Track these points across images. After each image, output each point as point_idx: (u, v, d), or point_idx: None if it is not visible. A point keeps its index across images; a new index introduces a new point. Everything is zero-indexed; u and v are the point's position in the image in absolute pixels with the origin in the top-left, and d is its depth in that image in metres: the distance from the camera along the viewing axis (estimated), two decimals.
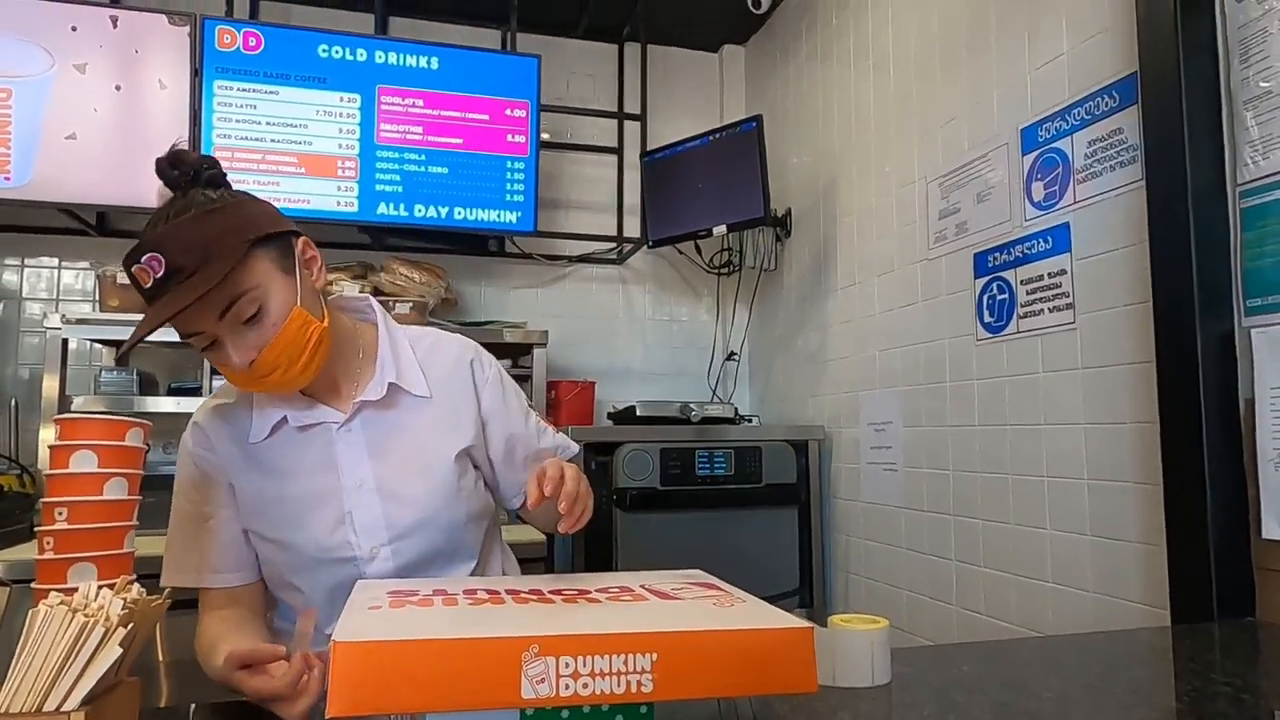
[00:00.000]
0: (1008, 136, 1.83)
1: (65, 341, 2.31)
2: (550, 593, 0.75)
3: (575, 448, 1.30)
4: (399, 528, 1.10)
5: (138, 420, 0.82)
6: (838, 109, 2.57)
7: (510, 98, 2.68)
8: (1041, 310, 1.72)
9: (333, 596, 1.07)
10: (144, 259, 0.94)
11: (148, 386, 2.47)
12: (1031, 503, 1.74)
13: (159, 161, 1.02)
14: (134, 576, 0.84)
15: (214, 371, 2.39)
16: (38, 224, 2.57)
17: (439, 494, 1.13)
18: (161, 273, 0.93)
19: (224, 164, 2.77)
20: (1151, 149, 1.44)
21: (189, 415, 2.51)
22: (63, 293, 2.66)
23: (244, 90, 2.47)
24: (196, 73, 2.44)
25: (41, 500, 0.76)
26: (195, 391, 2.39)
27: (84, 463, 0.78)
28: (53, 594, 0.54)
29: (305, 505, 1.09)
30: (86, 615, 0.52)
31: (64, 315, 2.27)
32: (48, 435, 2.27)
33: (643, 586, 0.79)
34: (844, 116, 2.53)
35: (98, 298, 2.46)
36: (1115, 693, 0.92)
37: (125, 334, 2.35)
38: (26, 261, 2.64)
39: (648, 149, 2.95)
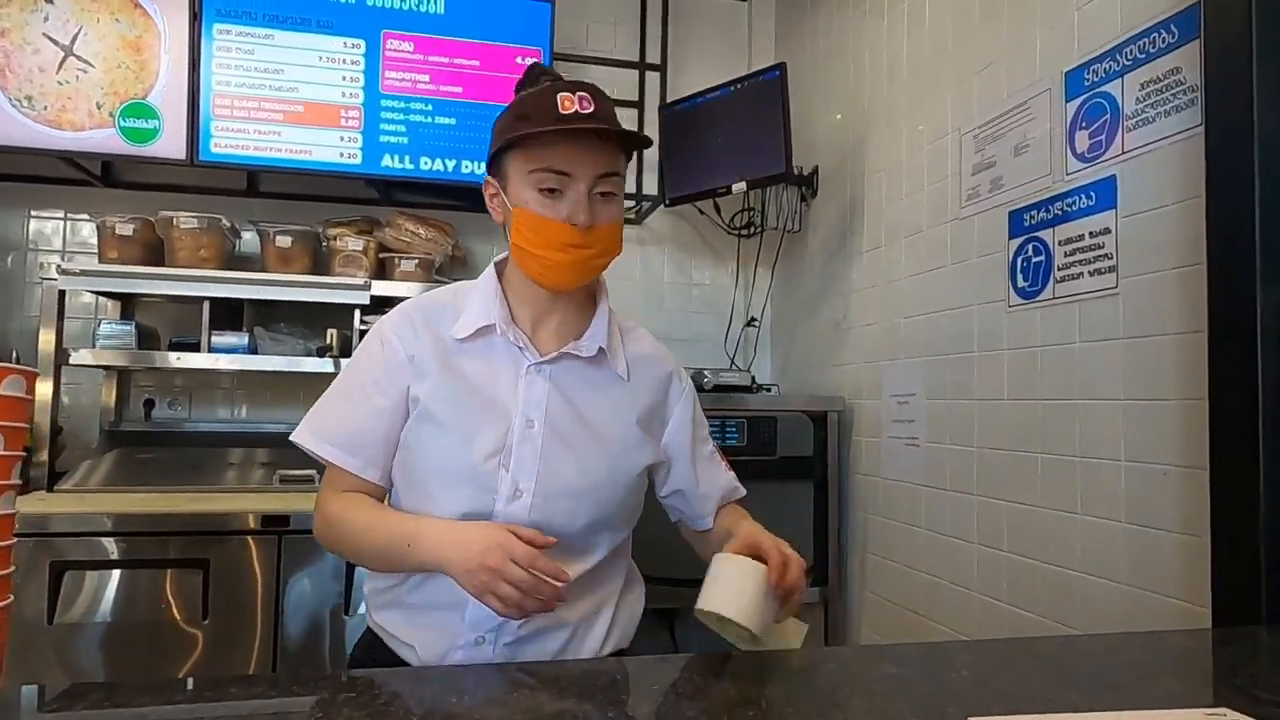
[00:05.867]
0: (1050, 82, 1.66)
1: (62, 293, 2.26)
2: None
3: (743, 491, 1.27)
4: (549, 481, 1.07)
5: (20, 368, 0.72)
6: (869, 60, 2.39)
7: (521, 45, 2.54)
8: (1081, 274, 1.56)
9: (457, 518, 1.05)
10: (578, 92, 1.03)
11: (148, 340, 2.43)
12: (1062, 485, 1.59)
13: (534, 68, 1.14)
14: (12, 541, 0.75)
15: (213, 326, 2.33)
16: (43, 174, 2.52)
17: (601, 471, 1.10)
18: (589, 110, 1.03)
19: (224, 112, 2.67)
20: (1213, 89, 1.27)
21: (192, 370, 2.50)
22: (70, 245, 2.62)
23: (244, 34, 2.38)
24: (195, 16, 2.35)
25: None
26: (194, 347, 2.33)
27: None
28: None
29: (475, 420, 1.07)
30: None
31: (58, 266, 2.22)
32: (44, 389, 2.23)
33: None
34: (875, 68, 2.35)
35: (99, 249, 2.40)
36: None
37: (125, 285, 2.32)
38: (32, 213, 2.60)
39: (667, 100, 2.80)
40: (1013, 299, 1.74)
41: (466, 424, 1.07)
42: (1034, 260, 1.68)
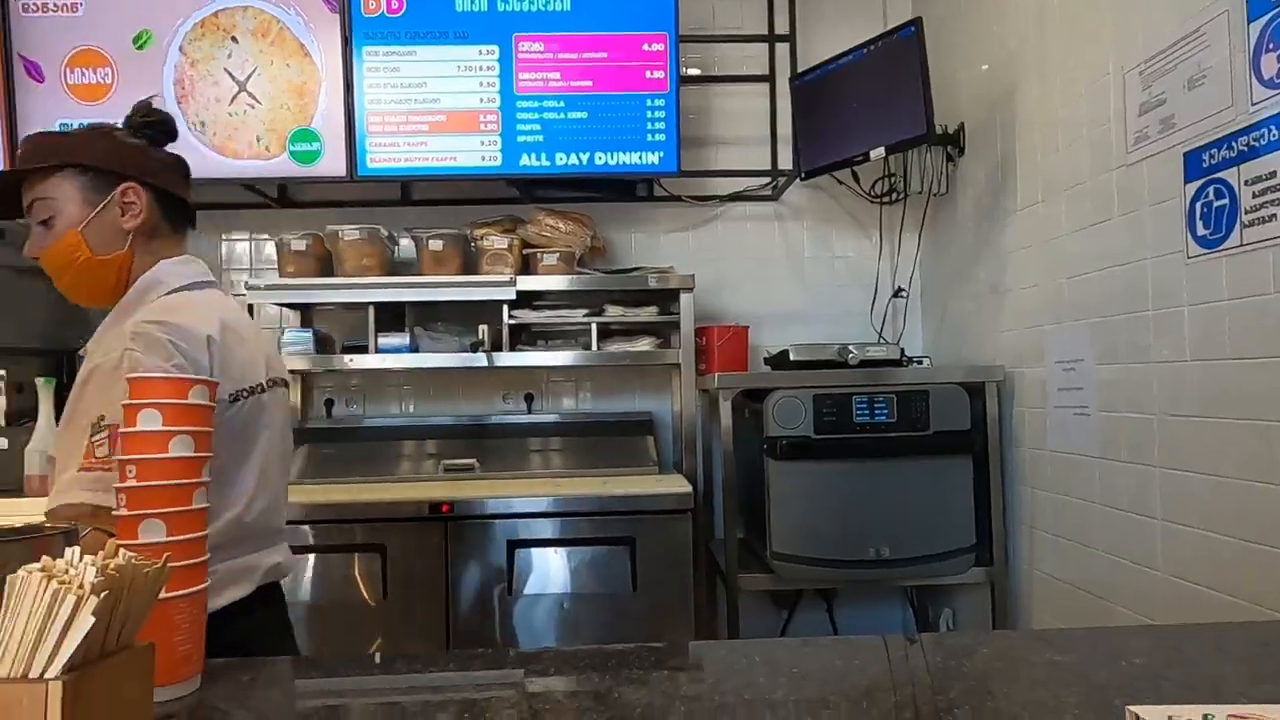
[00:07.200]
0: (1228, 2, 1.48)
1: (251, 307, 2.51)
2: None
3: (64, 499, 0.98)
4: None
5: (203, 379, 0.82)
6: (1014, 2, 2.22)
7: (646, 31, 2.55)
8: (1273, 215, 1.39)
9: None
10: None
11: (325, 345, 2.65)
12: (1259, 452, 1.43)
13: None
14: (206, 531, 0.85)
15: (378, 329, 2.51)
16: (227, 200, 2.79)
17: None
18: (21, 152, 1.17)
19: (376, 129, 2.82)
20: None
21: (363, 370, 2.70)
22: (257, 263, 2.90)
23: (390, 54, 2.53)
24: (346, 40, 2.52)
25: (116, 458, 0.78)
26: (363, 349, 2.52)
27: (149, 421, 0.78)
28: (34, 564, 0.53)
29: None
30: (61, 583, 0.51)
31: (246, 283, 2.46)
32: None
33: None
34: (1022, 10, 2.18)
35: (278, 265, 2.64)
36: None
37: (301, 296, 2.55)
38: (224, 237, 2.90)
39: (798, 71, 2.72)
40: (1192, 249, 1.57)
41: None
42: (1216, 204, 1.51)
